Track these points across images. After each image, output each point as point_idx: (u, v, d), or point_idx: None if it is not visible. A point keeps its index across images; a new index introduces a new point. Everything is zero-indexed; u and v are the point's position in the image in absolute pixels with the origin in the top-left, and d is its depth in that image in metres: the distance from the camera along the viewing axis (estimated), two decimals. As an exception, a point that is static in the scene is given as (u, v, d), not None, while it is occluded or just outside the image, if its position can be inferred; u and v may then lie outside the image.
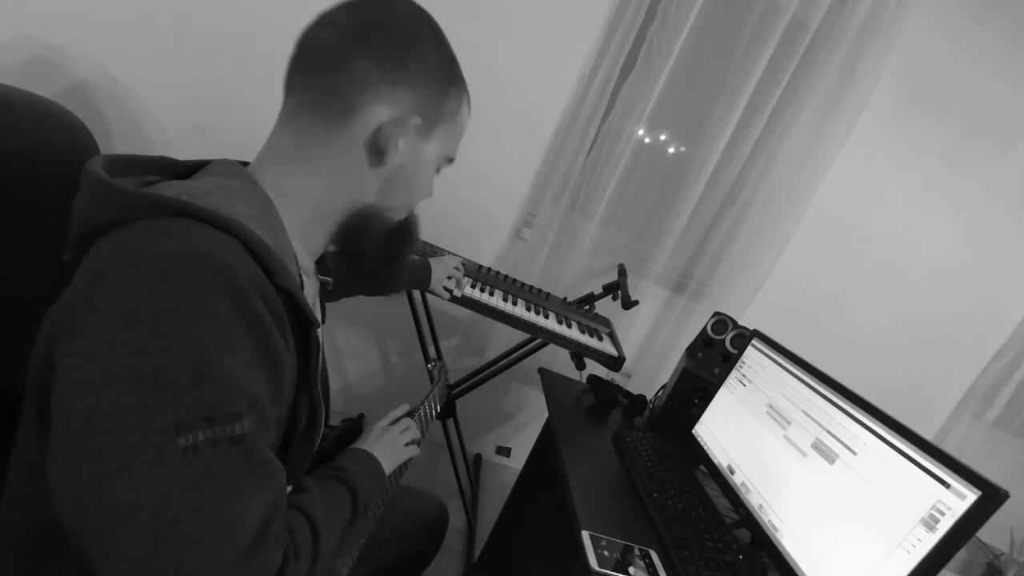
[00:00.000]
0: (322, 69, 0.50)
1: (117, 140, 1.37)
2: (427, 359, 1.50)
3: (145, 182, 0.46)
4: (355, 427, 0.76)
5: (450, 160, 0.62)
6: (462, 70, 0.58)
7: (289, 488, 0.56)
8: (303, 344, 0.48)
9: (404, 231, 0.63)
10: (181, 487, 0.35)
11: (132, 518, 0.34)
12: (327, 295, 0.71)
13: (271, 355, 0.41)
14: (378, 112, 0.51)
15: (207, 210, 0.41)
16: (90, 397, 0.35)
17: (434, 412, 0.93)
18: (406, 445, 0.77)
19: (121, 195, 0.41)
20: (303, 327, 0.48)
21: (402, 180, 0.56)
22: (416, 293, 1.44)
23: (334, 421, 0.74)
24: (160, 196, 0.40)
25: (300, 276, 0.53)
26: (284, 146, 0.52)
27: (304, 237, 0.54)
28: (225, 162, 0.52)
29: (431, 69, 0.53)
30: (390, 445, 0.73)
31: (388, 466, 0.70)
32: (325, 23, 0.51)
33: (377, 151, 0.52)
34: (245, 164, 0.53)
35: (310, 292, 0.58)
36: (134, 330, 0.35)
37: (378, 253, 0.60)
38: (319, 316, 0.64)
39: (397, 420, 0.79)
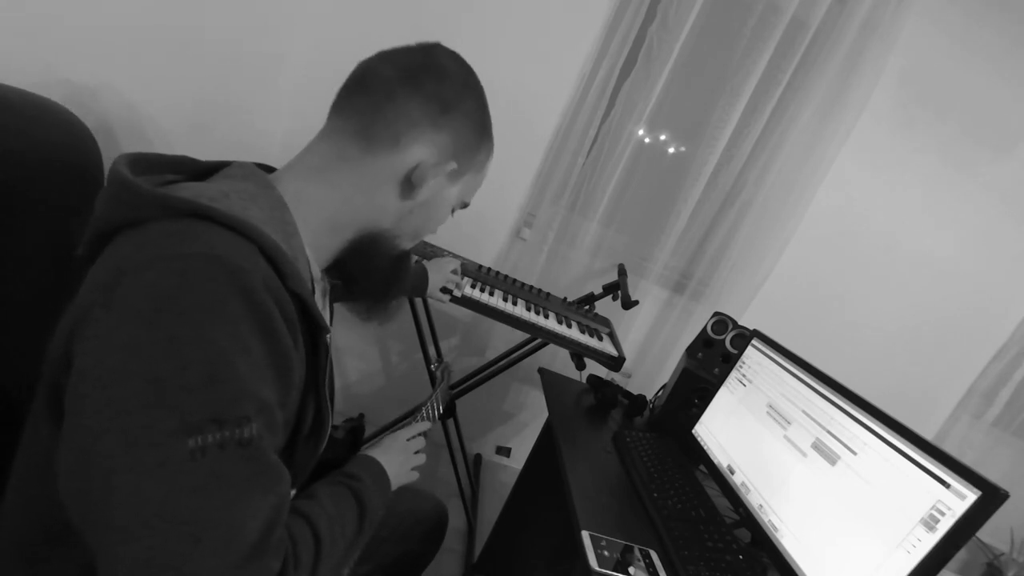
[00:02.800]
0: (373, 98, 0.53)
1: (117, 140, 1.37)
2: (427, 360, 1.50)
3: (165, 181, 0.47)
4: (358, 429, 0.75)
5: (465, 205, 0.66)
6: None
7: (294, 491, 0.56)
8: (313, 348, 0.49)
9: (403, 264, 0.65)
10: (187, 488, 0.35)
11: (137, 516, 0.34)
12: (336, 295, 0.70)
13: (281, 359, 0.42)
14: (419, 152, 0.54)
15: (223, 213, 0.41)
16: (103, 395, 0.35)
17: (437, 413, 0.93)
18: (412, 469, 0.76)
19: (140, 194, 0.41)
20: (313, 331, 0.48)
21: (422, 214, 0.59)
22: (416, 293, 1.44)
23: (335, 421, 0.74)
24: (178, 197, 0.41)
25: (311, 281, 0.53)
26: (320, 158, 0.54)
27: (315, 243, 0.55)
28: (242, 164, 0.53)
29: (471, 121, 0.58)
30: (400, 465, 0.72)
31: (393, 484, 0.69)
32: (384, 59, 0.55)
33: (410, 186, 0.55)
34: (261, 167, 0.54)
35: (319, 296, 0.58)
36: (149, 331, 0.36)
37: (378, 277, 0.62)
38: (328, 320, 0.64)
39: (415, 437, 0.78)
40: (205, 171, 0.52)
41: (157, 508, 0.34)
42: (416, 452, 0.77)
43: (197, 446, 0.35)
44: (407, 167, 0.54)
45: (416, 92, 0.53)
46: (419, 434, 0.79)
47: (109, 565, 0.35)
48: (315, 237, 0.54)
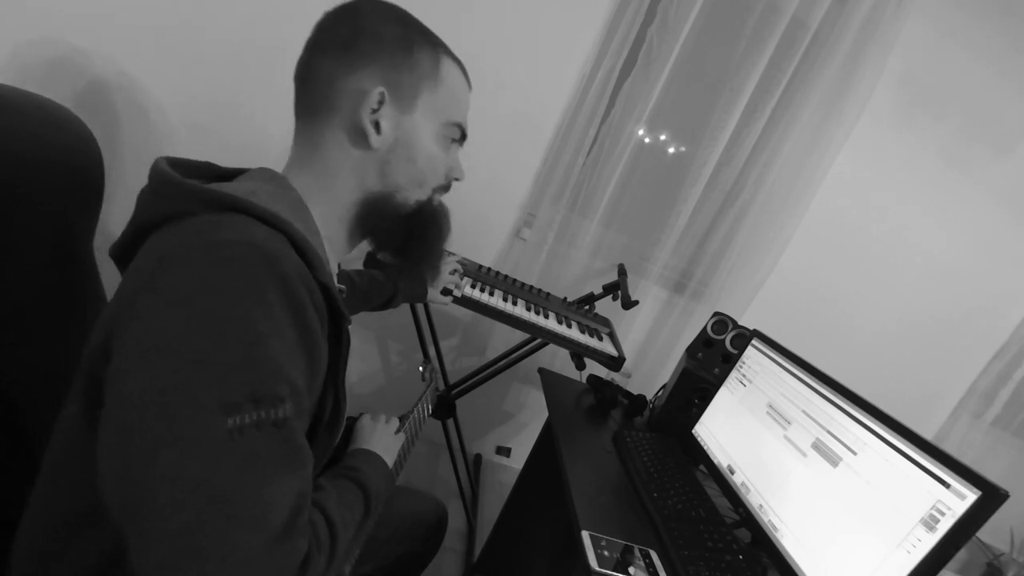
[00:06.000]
0: (302, 86, 0.56)
1: (118, 140, 1.37)
2: (427, 359, 1.50)
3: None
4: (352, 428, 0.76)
5: (459, 127, 0.61)
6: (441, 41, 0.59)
7: None
8: (335, 338, 0.50)
9: (426, 213, 0.62)
10: (225, 466, 0.36)
11: (176, 493, 0.35)
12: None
13: (311, 345, 0.43)
14: (348, 100, 0.54)
15: (258, 207, 0.44)
16: (146, 374, 0.36)
17: (426, 413, 0.94)
18: (395, 433, 0.78)
19: (184, 190, 0.44)
20: (335, 321, 0.50)
21: (399, 157, 0.57)
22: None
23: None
24: (219, 192, 0.44)
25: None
26: (296, 158, 0.57)
27: (330, 239, 0.57)
28: (263, 169, 0.55)
29: (383, 39, 0.54)
30: (385, 437, 0.74)
31: (389, 460, 0.70)
32: (306, 45, 0.56)
33: (356, 131, 0.54)
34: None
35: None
36: (192, 311, 0.37)
37: (405, 238, 0.62)
38: None
39: (375, 415, 0.80)
40: (227, 175, 0.55)
41: (196, 485, 0.35)
42: (387, 421, 0.79)
43: (235, 425, 0.36)
44: (347, 119, 0.54)
45: (321, 50, 0.54)
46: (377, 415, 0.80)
47: (145, 543, 0.35)
48: (327, 229, 0.56)
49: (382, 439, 0.73)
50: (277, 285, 0.40)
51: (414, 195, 0.60)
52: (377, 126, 0.54)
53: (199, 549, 0.34)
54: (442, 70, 0.57)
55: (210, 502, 0.35)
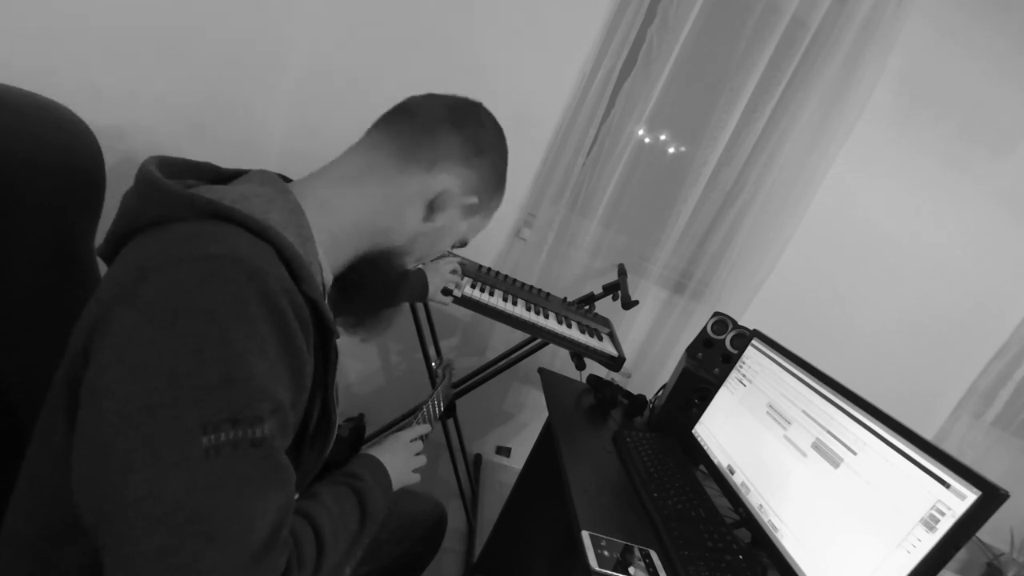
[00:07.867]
0: (419, 124, 0.59)
1: (118, 141, 1.37)
2: (427, 359, 1.50)
3: (187, 185, 0.47)
4: (359, 429, 0.75)
5: (464, 243, 0.71)
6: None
7: (297, 494, 0.56)
8: (322, 351, 0.49)
9: (402, 283, 0.68)
10: (201, 486, 0.36)
11: (151, 512, 0.34)
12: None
13: (295, 360, 0.42)
14: (448, 180, 0.59)
15: (245, 215, 0.43)
16: (122, 391, 0.36)
17: (438, 411, 0.94)
18: (414, 471, 0.76)
19: (169, 195, 0.43)
20: (324, 335, 0.49)
21: (432, 239, 0.63)
22: (416, 293, 1.44)
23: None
24: (204, 199, 0.43)
25: (323, 286, 0.54)
26: (352, 168, 0.58)
27: (332, 250, 0.56)
28: (261, 171, 0.55)
29: (496, 170, 0.65)
30: (402, 466, 0.73)
31: (395, 484, 0.69)
32: (433, 98, 0.62)
33: (431, 209, 0.60)
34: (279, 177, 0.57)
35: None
36: (171, 329, 0.36)
37: (379, 292, 0.65)
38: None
39: (416, 439, 0.79)
40: (225, 177, 0.54)
41: (172, 505, 0.35)
42: (417, 454, 0.77)
43: (211, 444, 0.36)
44: (435, 191, 0.59)
45: (459, 130, 0.59)
46: (420, 436, 0.80)
47: (121, 561, 0.35)
48: (333, 244, 0.56)
49: (399, 464, 0.71)
50: (260, 301, 0.39)
51: (409, 264, 0.66)
52: (446, 211, 0.61)
53: (175, 568, 0.34)
54: (494, 212, 0.70)
55: (185, 522, 0.35)
